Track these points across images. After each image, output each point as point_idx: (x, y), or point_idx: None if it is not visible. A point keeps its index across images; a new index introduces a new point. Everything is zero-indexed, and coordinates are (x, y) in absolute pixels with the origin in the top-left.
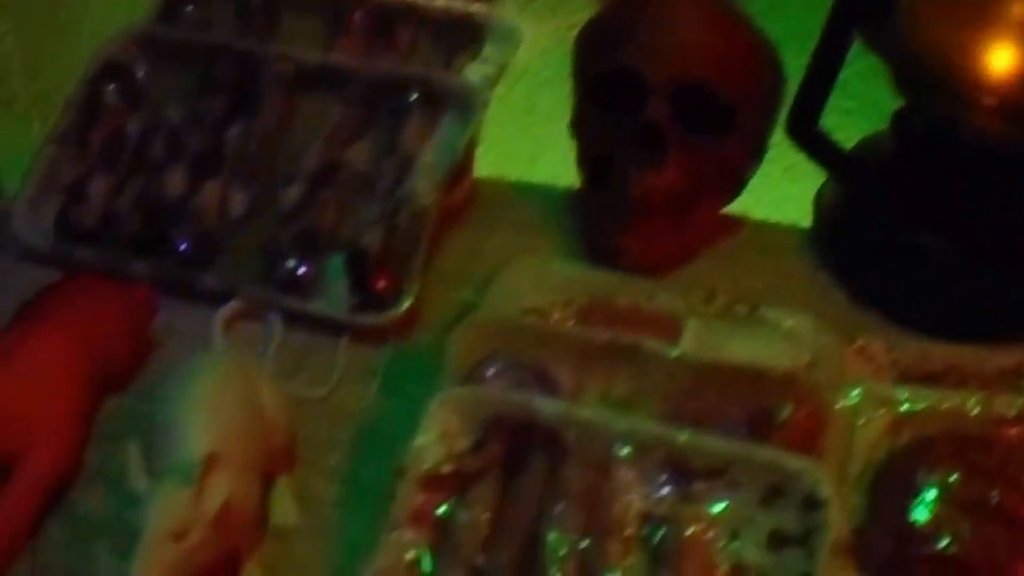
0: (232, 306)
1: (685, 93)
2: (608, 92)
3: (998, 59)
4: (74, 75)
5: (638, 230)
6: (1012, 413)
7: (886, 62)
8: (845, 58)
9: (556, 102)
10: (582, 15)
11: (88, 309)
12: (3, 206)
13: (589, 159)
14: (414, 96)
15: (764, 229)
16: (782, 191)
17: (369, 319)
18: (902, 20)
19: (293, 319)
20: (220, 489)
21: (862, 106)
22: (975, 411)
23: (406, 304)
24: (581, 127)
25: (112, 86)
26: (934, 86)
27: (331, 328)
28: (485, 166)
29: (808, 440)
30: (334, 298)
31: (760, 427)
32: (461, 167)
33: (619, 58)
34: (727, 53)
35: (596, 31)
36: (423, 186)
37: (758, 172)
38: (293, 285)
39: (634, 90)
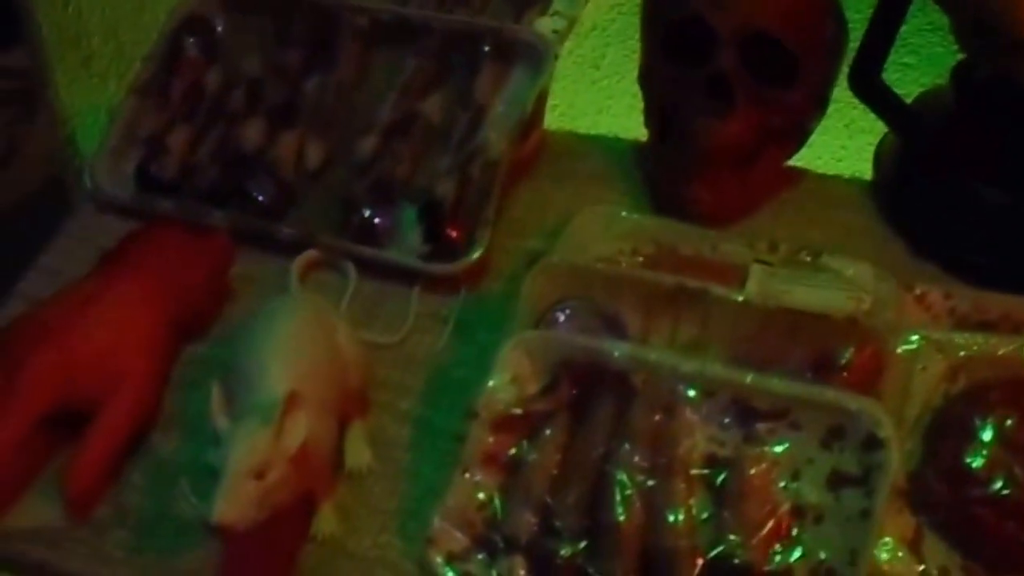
0: (308, 255)
1: (752, 43)
2: (676, 43)
3: None
4: (150, 33)
5: (704, 180)
6: None
7: (948, 13)
8: (906, 13)
9: (624, 57)
10: None
11: (168, 257)
12: (82, 166)
13: (657, 110)
14: (486, 49)
15: (826, 181)
16: (844, 144)
17: (441, 268)
18: None
19: (367, 267)
20: (299, 429)
21: (922, 61)
22: None
23: (477, 253)
24: (650, 79)
25: (191, 39)
26: (994, 36)
27: (404, 276)
28: (554, 119)
29: (868, 382)
30: (407, 247)
31: (822, 370)
32: (531, 119)
33: (688, 8)
34: (792, 5)
35: None
36: (494, 137)
37: (820, 126)
38: (368, 234)
39: (702, 40)
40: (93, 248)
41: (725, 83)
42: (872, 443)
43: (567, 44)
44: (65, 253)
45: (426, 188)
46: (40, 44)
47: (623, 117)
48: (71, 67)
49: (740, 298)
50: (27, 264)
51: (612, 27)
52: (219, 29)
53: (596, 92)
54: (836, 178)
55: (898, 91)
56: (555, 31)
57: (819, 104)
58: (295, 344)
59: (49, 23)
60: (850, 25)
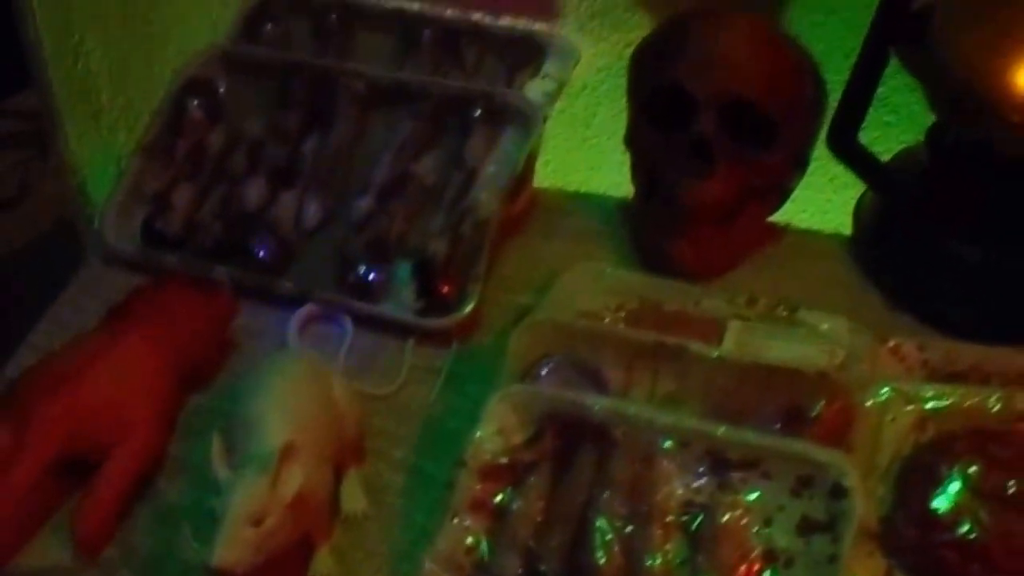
0: (307, 309)
1: (731, 109)
2: (659, 108)
3: None
4: (158, 89)
5: (687, 238)
6: None
7: (920, 81)
8: (881, 76)
9: (613, 117)
10: (638, 33)
11: (173, 312)
12: (92, 213)
13: (642, 170)
14: (478, 112)
15: (806, 235)
16: (829, 198)
17: (434, 322)
18: (935, 40)
19: (363, 322)
20: (295, 477)
21: (901, 120)
22: (996, 408)
23: (468, 308)
24: (635, 141)
25: (196, 101)
26: (966, 105)
27: (399, 330)
28: (546, 176)
29: (837, 434)
30: (402, 302)
31: (793, 422)
32: (522, 178)
33: (669, 75)
34: (771, 71)
35: (649, 50)
36: (485, 197)
37: (805, 180)
38: (364, 290)
39: (683, 106)
40: (101, 300)
41: (705, 146)
42: (838, 492)
43: (559, 103)
44: (74, 305)
45: (419, 246)
46: (51, 97)
47: (614, 174)
48: (81, 120)
49: (716, 354)
50: (38, 315)
51: (601, 88)
52: (221, 91)
53: (587, 150)
54: (816, 233)
55: (878, 148)
56: (546, 93)
57: (799, 163)
58: (292, 397)
59: (59, 78)
60: (830, 86)
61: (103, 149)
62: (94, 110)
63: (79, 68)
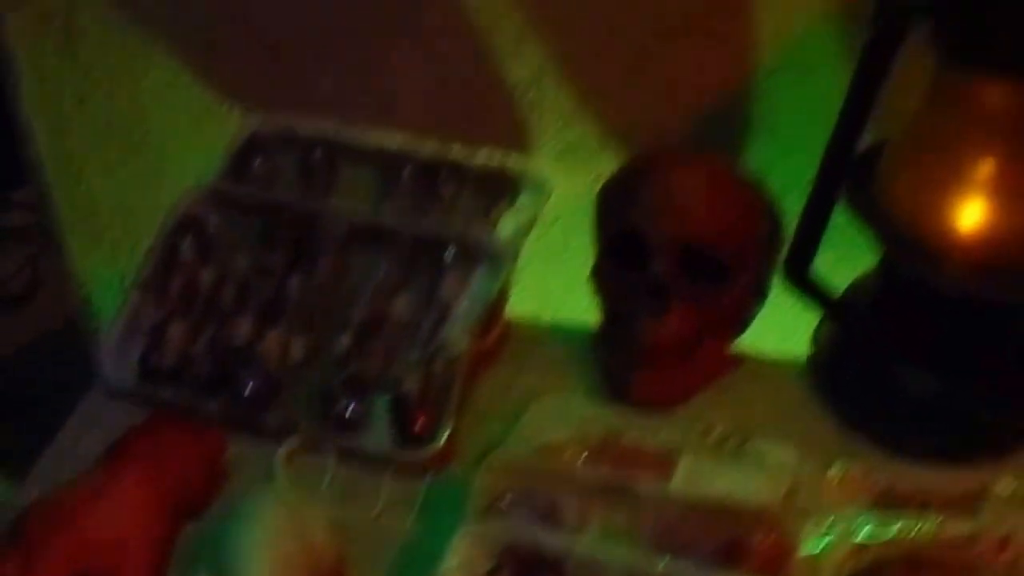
0: (292, 442)
1: (687, 252)
2: (620, 248)
3: (967, 220)
4: (158, 211)
5: (647, 372)
6: (964, 535)
7: (866, 223)
8: (831, 214)
9: (585, 246)
10: (608, 167)
11: (167, 451)
12: (94, 331)
13: (604, 307)
14: (452, 252)
15: (763, 363)
16: (791, 324)
17: (409, 455)
18: (880, 181)
19: (344, 453)
20: None
21: (852, 252)
22: (932, 534)
23: (441, 441)
24: (599, 277)
25: (188, 238)
26: (909, 245)
27: (377, 461)
28: (523, 301)
29: (775, 566)
30: (379, 435)
31: (733, 555)
32: (493, 312)
33: (628, 218)
34: (725, 215)
35: (611, 191)
36: (457, 335)
37: (767, 306)
38: (344, 424)
39: (641, 249)
40: (102, 431)
41: (663, 287)
42: None
43: (534, 232)
44: (76, 437)
45: (396, 382)
46: (53, 215)
47: (588, 300)
48: (83, 237)
49: (665, 491)
50: (42, 446)
51: (574, 218)
52: (212, 228)
53: (563, 275)
54: (774, 360)
55: (835, 276)
56: (519, 226)
57: (757, 295)
58: (271, 539)
59: (61, 199)
60: (789, 216)
61: (106, 264)
62: (96, 230)
63: (82, 189)
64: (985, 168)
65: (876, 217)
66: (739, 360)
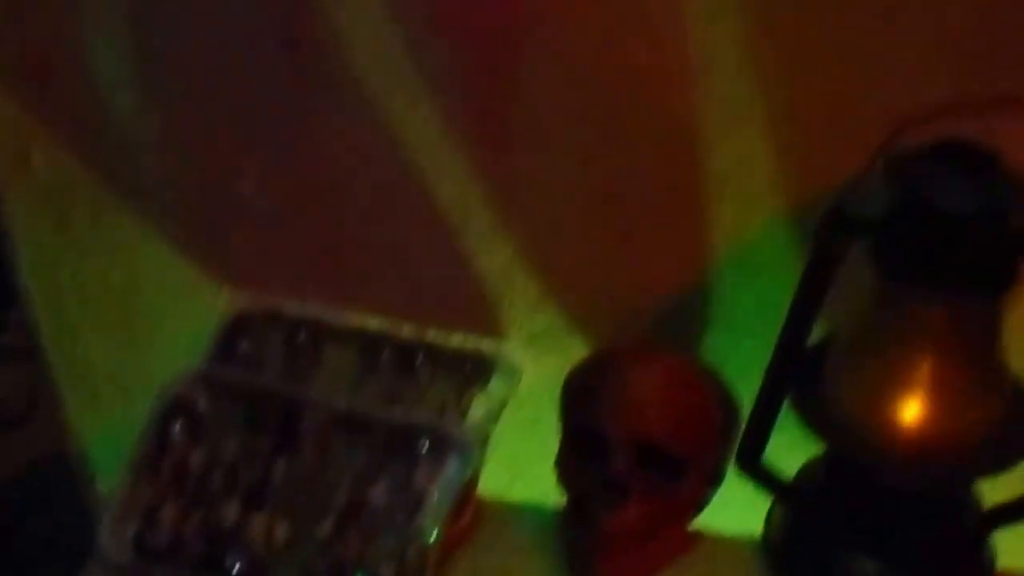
0: None
1: (643, 449)
2: (580, 440)
3: (906, 417)
4: (154, 380)
5: (606, 557)
6: None
7: (809, 424)
8: (780, 408)
9: (555, 423)
10: (577, 352)
11: None
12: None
13: (567, 495)
14: (424, 442)
15: (719, 542)
16: (749, 502)
17: None
18: (826, 377)
19: None
20: None
21: (804, 434)
22: None
23: None
24: (560, 464)
25: (179, 421)
26: (854, 441)
27: None
28: (499, 474)
29: None
30: None
31: None
32: (465, 495)
33: (586, 417)
34: (681, 413)
35: (573, 383)
36: (428, 524)
37: (725, 486)
38: None
39: (599, 444)
40: None
41: (619, 481)
42: None
43: (507, 410)
44: None
45: (372, 568)
46: (49, 375)
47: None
48: (79, 396)
49: None
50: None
51: (543, 400)
52: (202, 410)
53: (537, 447)
54: (730, 539)
55: (787, 460)
56: (490, 410)
57: (713, 481)
58: None
59: (57, 360)
60: (744, 401)
61: (102, 421)
62: (91, 394)
63: (78, 352)
64: (922, 371)
65: (819, 421)
66: (696, 538)
